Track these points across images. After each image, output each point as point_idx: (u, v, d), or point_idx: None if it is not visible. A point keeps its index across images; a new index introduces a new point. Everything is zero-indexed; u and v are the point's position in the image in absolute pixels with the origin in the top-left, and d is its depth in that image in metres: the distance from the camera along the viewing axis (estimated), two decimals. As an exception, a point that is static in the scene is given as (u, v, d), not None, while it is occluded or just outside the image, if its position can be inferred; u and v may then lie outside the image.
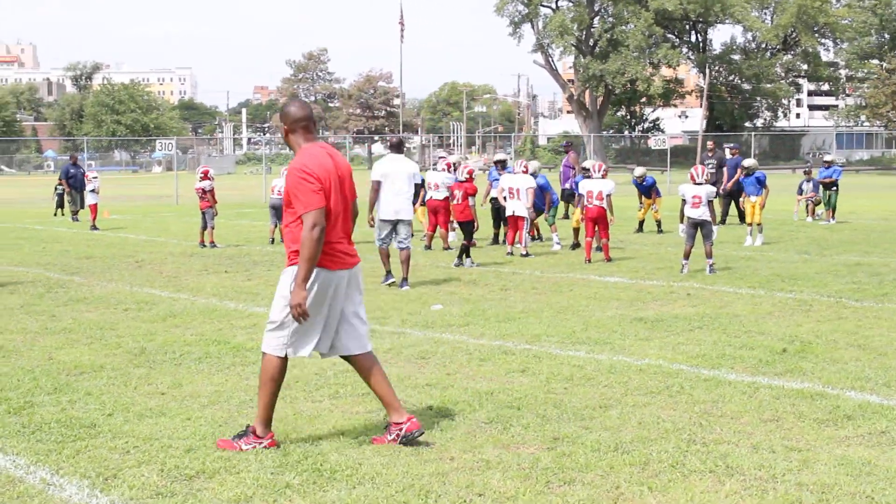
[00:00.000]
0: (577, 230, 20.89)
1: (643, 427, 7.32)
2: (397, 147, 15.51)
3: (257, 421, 6.90)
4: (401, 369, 9.36)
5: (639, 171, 25.19)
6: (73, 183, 32.84)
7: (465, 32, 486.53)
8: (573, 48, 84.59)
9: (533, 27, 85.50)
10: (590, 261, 18.18)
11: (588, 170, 20.09)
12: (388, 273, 15.36)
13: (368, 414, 7.75)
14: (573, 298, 13.87)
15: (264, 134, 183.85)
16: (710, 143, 30.21)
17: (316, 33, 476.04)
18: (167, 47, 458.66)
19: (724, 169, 28.15)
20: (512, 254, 19.49)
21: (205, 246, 21.66)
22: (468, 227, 18.00)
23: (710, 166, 28.88)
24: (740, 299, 13.62)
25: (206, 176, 21.96)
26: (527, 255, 19.26)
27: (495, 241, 21.93)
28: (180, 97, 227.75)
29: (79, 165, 34.40)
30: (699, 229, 16.53)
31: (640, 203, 25.09)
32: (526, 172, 19.59)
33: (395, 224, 15.12)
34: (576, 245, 20.66)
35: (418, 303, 13.60)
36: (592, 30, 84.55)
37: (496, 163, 22.80)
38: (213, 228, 21.86)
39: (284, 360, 6.86)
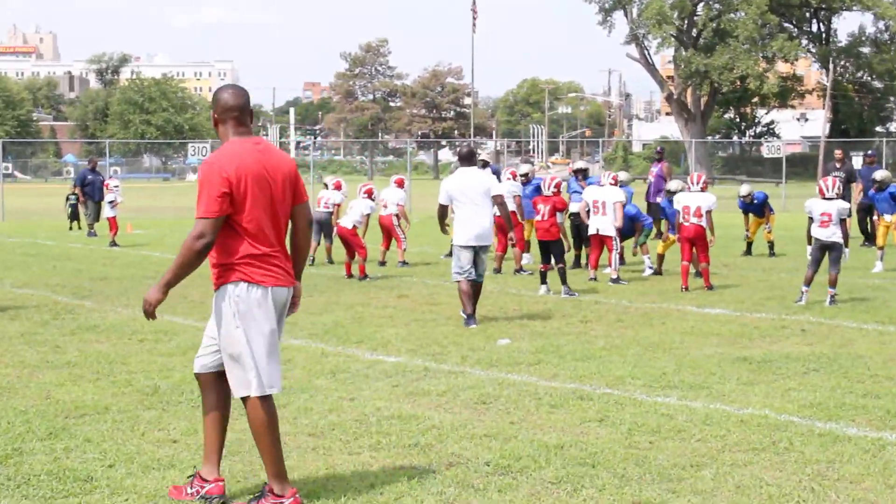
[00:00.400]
0: (661, 257, 20.58)
1: (742, 491, 7.08)
2: (468, 158, 14.84)
3: (270, 478, 6.75)
4: (456, 416, 9.18)
5: (745, 189, 24.47)
6: (90, 191, 33.11)
7: (549, 21, 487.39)
8: (673, 39, 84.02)
9: (626, 14, 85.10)
10: (687, 288, 17.91)
11: (673, 192, 19.82)
12: (471, 316, 14.35)
13: (413, 470, 7.58)
14: (665, 333, 13.63)
15: (315, 137, 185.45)
16: (837, 152, 29.49)
17: (375, 22, 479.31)
18: (206, 38, 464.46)
19: (854, 184, 27.71)
20: (595, 279, 19.25)
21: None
22: (554, 248, 17.65)
23: (838, 179, 28.29)
24: (865, 337, 13.30)
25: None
26: (617, 280, 19.03)
27: (576, 263, 21.68)
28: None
29: (98, 172, 34.73)
30: (827, 253, 16.20)
31: (747, 226, 24.58)
32: (615, 184, 19.37)
33: (476, 251, 14.47)
34: (656, 272, 20.36)
35: (482, 336, 13.43)
36: (696, 18, 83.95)
37: (576, 172, 22.60)
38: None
39: (268, 399, 6.74)
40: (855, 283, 18.80)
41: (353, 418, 9.09)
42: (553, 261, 17.61)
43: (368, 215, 20.50)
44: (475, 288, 14.50)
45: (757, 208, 24.16)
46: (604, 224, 19.03)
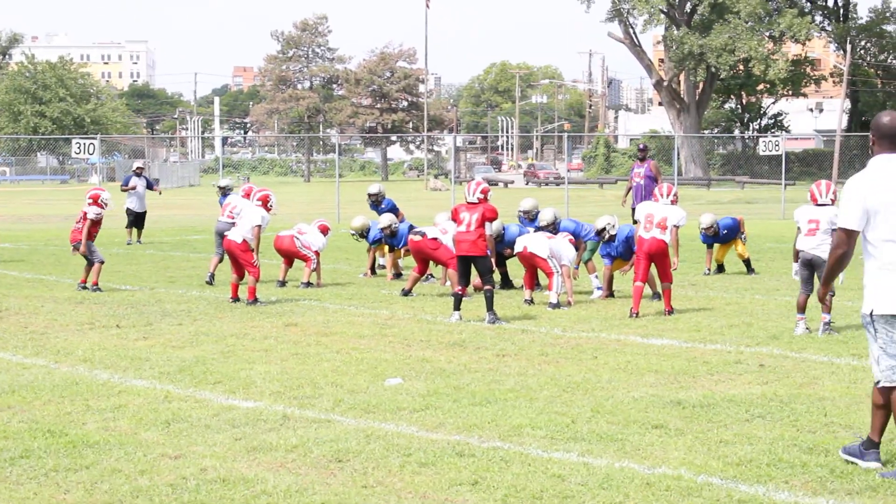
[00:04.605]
0: (611, 277, 20.10)
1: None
2: (893, 137, 9.26)
3: None
4: (298, 478, 8.76)
5: (707, 219, 23.61)
6: None
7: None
8: (663, 16, 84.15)
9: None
10: (637, 314, 17.53)
11: (603, 230, 19.51)
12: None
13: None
14: (593, 370, 13.27)
15: (245, 132, 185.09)
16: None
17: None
18: (116, 14, 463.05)
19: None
20: (531, 301, 18.91)
21: (84, 288, 21.30)
22: (480, 265, 17.38)
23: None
24: (835, 373, 12.97)
25: (95, 201, 21.75)
26: (556, 305, 18.64)
27: (505, 283, 21.32)
28: (132, 81, 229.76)
29: None
30: (815, 271, 15.92)
31: (708, 263, 23.83)
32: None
33: None
34: (609, 295, 19.96)
35: (370, 374, 13.03)
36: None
37: (524, 213, 22.00)
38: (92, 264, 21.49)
39: None
40: (843, 306, 18.42)
41: (167, 482, 8.65)
42: (477, 281, 17.32)
43: (260, 227, 19.76)
44: None
45: (725, 239, 23.54)
46: (534, 242, 18.76)
